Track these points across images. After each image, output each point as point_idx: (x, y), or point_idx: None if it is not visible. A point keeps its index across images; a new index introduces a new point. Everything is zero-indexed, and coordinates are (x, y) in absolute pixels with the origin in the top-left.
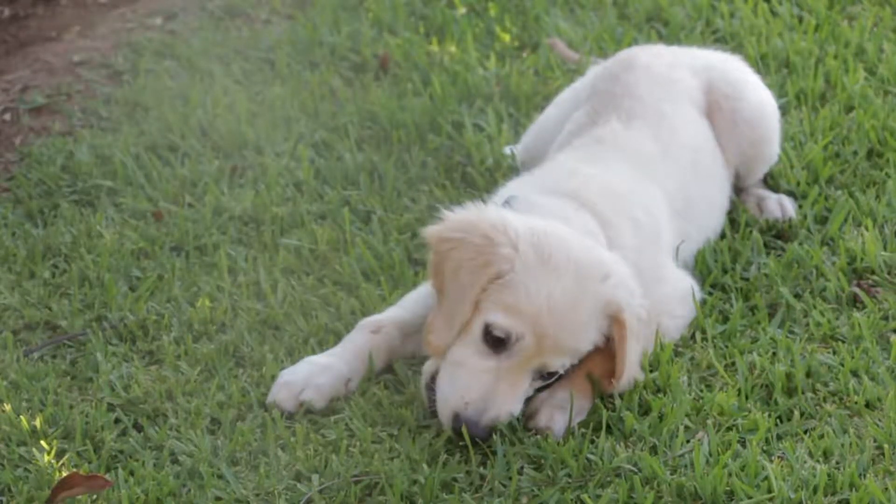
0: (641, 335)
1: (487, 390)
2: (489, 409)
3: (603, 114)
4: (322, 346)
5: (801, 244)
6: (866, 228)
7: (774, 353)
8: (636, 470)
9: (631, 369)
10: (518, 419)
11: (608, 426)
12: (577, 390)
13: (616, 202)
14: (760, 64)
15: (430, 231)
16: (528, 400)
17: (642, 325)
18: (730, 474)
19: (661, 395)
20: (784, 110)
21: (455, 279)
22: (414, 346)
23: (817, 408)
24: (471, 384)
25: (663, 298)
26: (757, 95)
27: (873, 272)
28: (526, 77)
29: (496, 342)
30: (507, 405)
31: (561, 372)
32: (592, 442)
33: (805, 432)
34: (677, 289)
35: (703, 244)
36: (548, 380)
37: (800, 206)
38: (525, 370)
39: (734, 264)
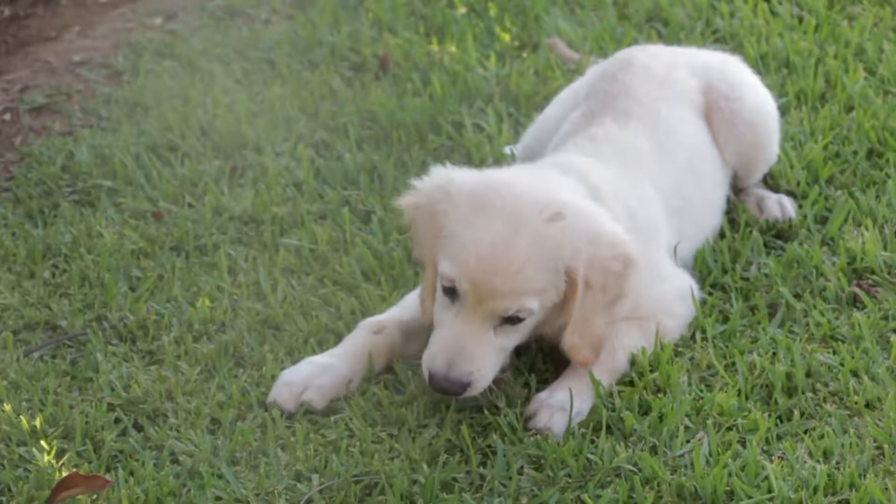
0: (609, 288)
1: (450, 344)
2: (456, 362)
3: (599, 114)
4: (322, 346)
5: (801, 244)
6: (866, 228)
7: (774, 353)
8: (636, 470)
9: (588, 328)
10: (518, 419)
11: (608, 426)
12: (577, 390)
13: (610, 188)
14: (760, 64)
15: (401, 202)
16: (529, 400)
17: (611, 278)
18: (730, 474)
19: (661, 395)
20: (784, 110)
21: (419, 243)
22: (415, 346)
23: (817, 408)
24: (438, 340)
25: (662, 297)
26: (756, 96)
27: (873, 272)
28: (526, 77)
29: (450, 293)
30: (477, 358)
31: (523, 315)
32: (592, 442)
33: (805, 432)
34: (676, 287)
35: (700, 244)
36: (516, 324)
37: (800, 206)
38: (479, 318)
39: (734, 264)
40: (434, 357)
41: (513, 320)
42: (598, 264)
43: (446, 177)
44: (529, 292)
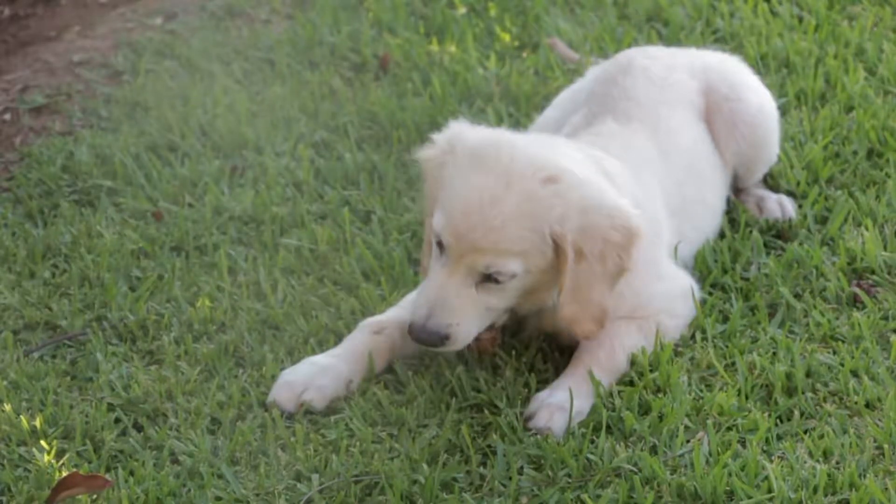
0: (608, 258)
1: (432, 295)
2: (435, 313)
3: (599, 116)
4: (322, 346)
5: (801, 244)
6: (866, 228)
7: (774, 353)
8: (636, 470)
9: (587, 298)
10: (518, 419)
11: (608, 426)
12: (577, 390)
13: (621, 178)
14: (760, 64)
15: (418, 155)
16: (529, 400)
17: (610, 248)
18: (730, 474)
19: (661, 395)
20: (784, 110)
21: (426, 197)
22: (415, 346)
23: (817, 408)
24: (422, 290)
25: (662, 296)
26: (756, 96)
27: (873, 272)
28: (526, 77)
29: (440, 245)
30: (457, 312)
31: (503, 276)
32: (592, 442)
33: (805, 432)
34: (677, 287)
35: (700, 245)
36: (500, 284)
37: (800, 206)
38: (460, 272)
39: (734, 264)
40: (416, 307)
41: (495, 279)
42: (593, 233)
43: (457, 131)
44: (510, 252)
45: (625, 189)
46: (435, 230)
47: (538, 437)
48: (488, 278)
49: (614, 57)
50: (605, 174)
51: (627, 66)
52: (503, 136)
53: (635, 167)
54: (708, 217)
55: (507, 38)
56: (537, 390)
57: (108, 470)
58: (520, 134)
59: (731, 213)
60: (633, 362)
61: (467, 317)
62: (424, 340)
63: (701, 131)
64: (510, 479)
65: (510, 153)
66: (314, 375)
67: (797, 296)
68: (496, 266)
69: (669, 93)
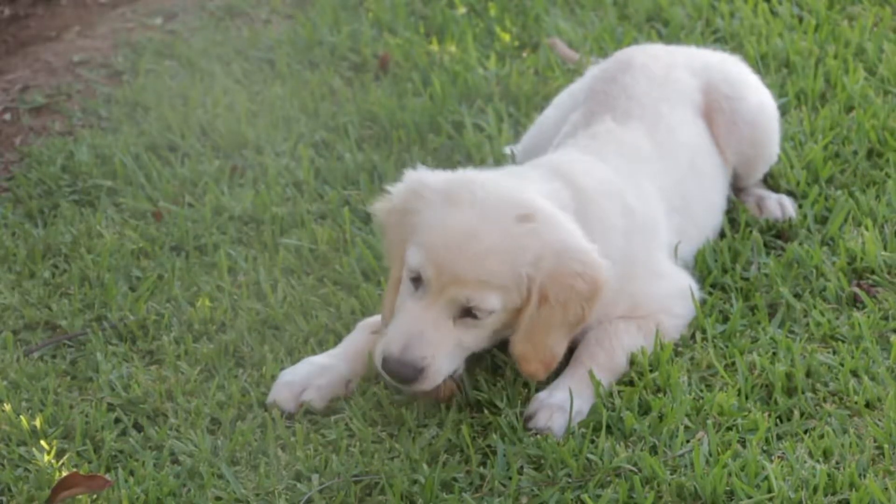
0: (570, 307)
1: (407, 327)
2: (411, 345)
3: (598, 114)
4: (322, 346)
5: (801, 244)
6: (866, 228)
7: (774, 353)
8: (636, 470)
9: (541, 341)
10: (518, 419)
11: (608, 426)
12: (576, 390)
13: (602, 184)
14: (760, 64)
15: (374, 208)
16: (529, 400)
17: (573, 297)
18: (730, 474)
19: (661, 395)
20: (784, 110)
21: (388, 246)
22: None
23: (817, 408)
24: (396, 325)
25: (661, 296)
26: (756, 96)
27: (873, 272)
28: (526, 77)
29: (416, 281)
30: (433, 345)
31: (481, 313)
32: (592, 442)
33: (805, 432)
34: (675, 286)
35: (701, 244)
36: (478, 319)
37: (800, 206)
38: (440, 305)
39: (734, 264)
40: (389, 341)
41: (474, 315)
42: (561, 279)
43: (418, 179)
44: (490, 285)
45: (610, 201)
46: (410, 266)
47: (538, 437)
48: (467, 313)
49: (614, 55)
50: (582, 195)
51: (627, 65)
52: (471, 175)
53: (631, 167)
54: (709, 215)
55: (507, 38)
56: (537, 390)
57: (108, 470)
58: (486, 171)
59: (731, 213)
60: (632, 362)
61: (442, 352)
62: (398, 373)
63: (701, 129)
64: (510, 479)
65: (484, 190)
66: (314, 375)
67: (797, 296)
68: (476, 300)
69: (669, 91)
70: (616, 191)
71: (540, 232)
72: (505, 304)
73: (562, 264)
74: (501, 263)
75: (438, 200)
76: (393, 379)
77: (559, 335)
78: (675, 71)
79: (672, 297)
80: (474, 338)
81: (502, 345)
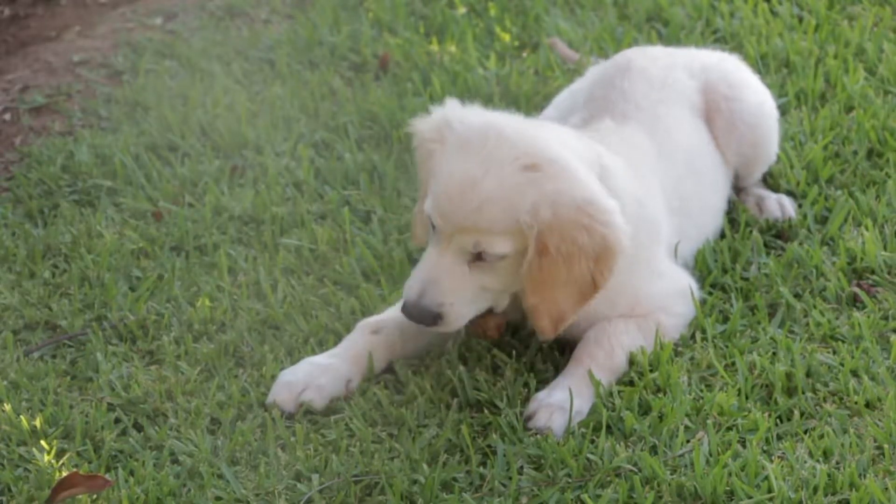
0: (575, 263)
1: (425, 274)
2: (428, 291)
3: (597, 117)
4: (322, 346)
5: (801, 244)
6: (866, 228)
7: (774, 353)
8: (636, 470)
9: (548, 296)
10: (518, 419)
11: (608, 426)
12: (576, 390)
13: (621, 174)
14: (760, 64)
15: (413, 129)
16: (529, 400)
17: (579, 253)
18: (730, 474)
19: (661, 395)
20: (784, 110)
21: (420, 174)
22: (414, 346)
23: (817, 408)
24: (416, 270)
25: (661, 295)
26: (756, 96)
27: (873, 272)
28: (526, 77)
29: (433, 227)
30: (449, 292)
31: (492, 254)
32: (592, 442)
33: (805, 432)
34: (675, 285)
35: (701, 244)
36: (491, 263)
37: (800, 206)
38: (451, 252)
39: (734, 264)
40: (408, 286)
41: (485, 258)
42: (562, 231)
43: (443, 118)
44: (492, 232)
45: (623, 188)
46: (426, 212)
47: (538, 437)
48: (479, 257)
49: (612, 58)
50: (603, 170)
51: (625, 68)
52: (493, 121)
53: (634, 164)
54: (708, 216)
55: (507, 38)
56: (537, 390)
57: (108, 470)
58: (515, 118)
59: (731, 213)
60: (632, 362)
61: (461, 297)
62: (417, 318)
63: (700, 130)
64: (510, 479)
65: (496, 138)
66: (313, 375)
67: (797, 296)
68: (482, 245)
69: (667, 93)
70: (628, 182)
71: (540, 181)
72: (516, 248)
73: (562, 215)
74: (500, 212)
75: (454, 145)
76: (413, 322)
77: (567, 294)
78: (673, 73)
79: (672, 296)
80: (493, 280)
81: (502, 345)
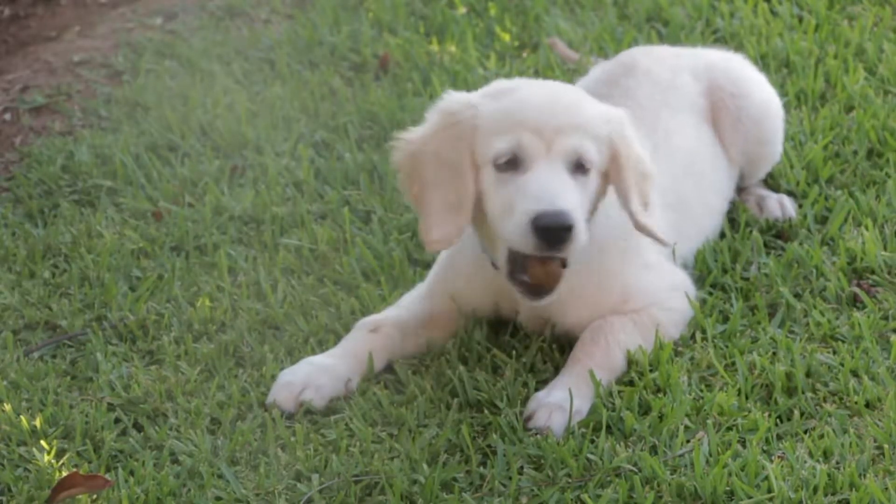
0: (640, 174)
1: (541, 188)
2: (555, 197)
3: None
4: (322, 346)
5: (801, 244)
6: (866, 228)
7: (774, 353)
8: (636, 470)
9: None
10: (517, 419)
11: (608, 426)
12: (576, 389)
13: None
14: (760, 64)
15: (396, 153)
16: (528, 400)
17: (641, 170)
18: (730, 474)
19: (661, 395)
20: (784, 110)
21: (441, 166)
22: (413, 345)
23: (817, 408)
24: (524, 197)
25: (653, 288)
26: (762, 94)
27: (873, 272)
28: (526, 77)
29: (512, 165)
30: (568, 196)
31: (589, 160)
32: (592, 442)
33: (805, 432)
34: (667, 279)
35: (699, 244)
36: (586, 175)
37: (800, 206)
38: (555, 164)
39: (734, 264)
40: (532, 206)
41: (582, 169)
42: (621, 144)
43: (450, 98)
44: (588, 131)
45: None
46: (499, 150)
47: (538, 436)
48: (577, 169)
49: (617, 57)
50: None
51: (630, 68)
52: (516, 81)
53: None
54: (707, 217)
55: (507, 38)
56: (537, 390)
57: (108, 470)
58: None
59: (731, 213)
60: (632, 362)
61: (579, 209)
62: (557, 225)
63: (703, 134)
64: (510, 479)
65: (536, 84)
66: (313, 375)
67: (797, 296)
68: (584, 148)
69: (671, 97)
70: None
71: (601, 112)
72: (599, 155)
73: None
74: (587, 111)
75: (491, 100)
76: (545, 241)
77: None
78: (678, 76)
79: (664, 290)
80: (585, 197)
81: (502, 345)
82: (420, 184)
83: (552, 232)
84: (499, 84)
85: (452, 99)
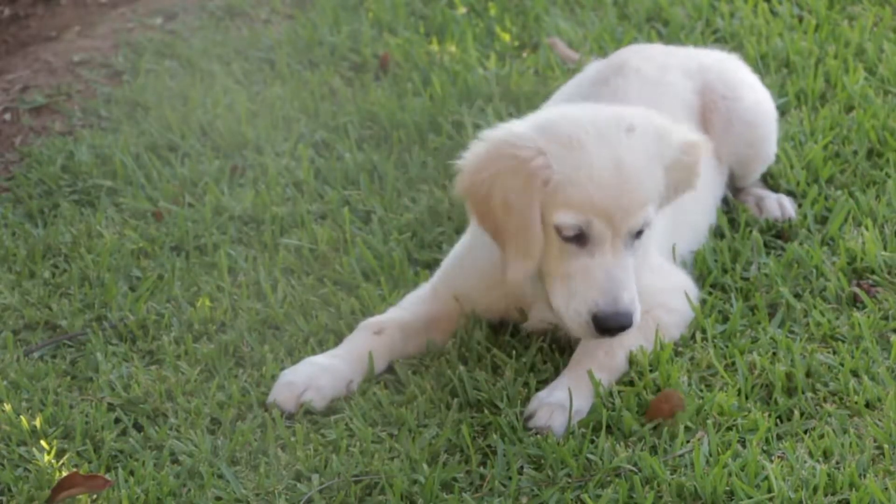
0: (682, 181)
1: (606, 280)
2: (619, 295)
3: None
4: (322, 346)
5: (801, 244)
6: (866, 228)
7: (774, 353)
8: (636, 470)
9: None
10: (518, 419)
11: (608, 426)
12: (576, 389)
13: None
14: (760, 64)
15: (459, 182)
16: (528, 400)
17: (685, 171)
18: (730, 474)
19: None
20: (784, 110)
21: (509, 210)
22: (415, 347)
23: (817, 408)
24: (587, 283)
25: (656, 290)
26: (754, 95)
27: (873, 272)
28: (526, 77)
29: (578, 239)
30: (631, 285)
31: (649, 223)
32: (592, 442)
33: (805, 432)
34: (670, 281)
35: (696, 243)
36: (640, 238)
37: (800, 206)
38: (618, 246)
39: (734, 264)
40: (595, 298)
41: (639, 234)
42: (676, 163)
43: (512, 134)
44: (650, 198)
45: None
46: (568, 225)
47: (538, 436)
48: (637, 235)
49: (609, 56)
50: None
51: (621, 67)
52: (561, 112)
53: None
54: (698, 216)
55: (507, 38)
56: (537, 390)
57: (108, 470)
58: (549, 109)
59: (731, 213)
60: (632, 362)
61: (636, 292)
62: (620, 325)
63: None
64: (510, 479)
65: (586, 122)
66: (314, 376)
67: (797, 296)
68: (646, 218)
69: (661, 94)
70: None
71: (650, 130)
72: (656, 208)
73: (671, 149)
74: (649, 176)
75: (559, 150)
76: (607, 333)
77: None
78: (669, 74)
79: (668, 291)
80: (638, 257)
81: (502, 345)
82: (492, 221)
83: (612, 330)
84: (561, 122)
85: (514, 135)
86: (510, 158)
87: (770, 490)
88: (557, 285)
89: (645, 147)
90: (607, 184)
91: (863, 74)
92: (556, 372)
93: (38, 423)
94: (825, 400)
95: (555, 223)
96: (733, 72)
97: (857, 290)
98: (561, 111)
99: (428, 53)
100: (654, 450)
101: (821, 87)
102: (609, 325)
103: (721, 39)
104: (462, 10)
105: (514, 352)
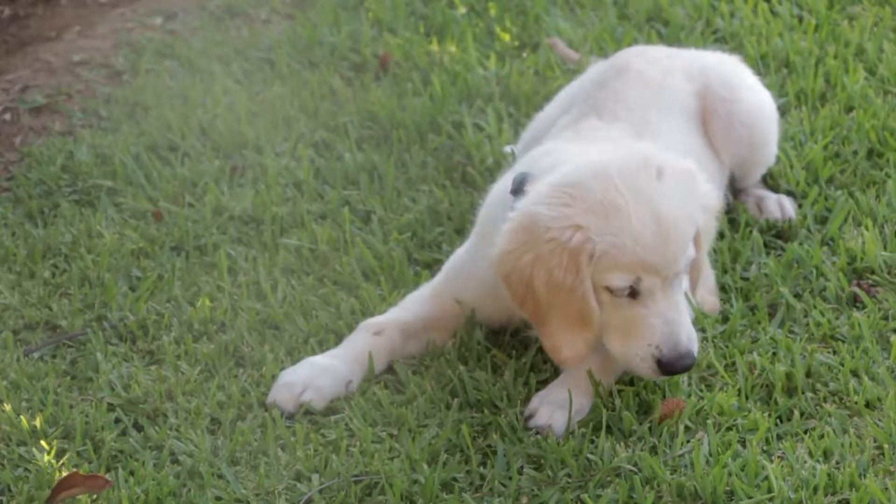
0: (709, 229)
1: (669, 324)
2: (677, 336)
3: (587, 115)
4: (322, 346)
5: (801, 244)
6: (866, 228)
7: (774, 353)
8: (636, 470)
9: (706, 275)
10: (518, 419)
11: (608, 426)
12: (576, 389)
13: None
14: (760, 64)
15: (496, 268)
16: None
17: (710, 216)
18: (730, 474)
19: (661, 395)
20: (784, 110)
21: (556, 290)
22: (415, 347)
23: (817, 408)
24: (645, 331)
25: None
26: (754, 97)
27: (873, 272)
28: (526, 77)
29: (630, 293)
30: (686, 323)
31: (687, 260)
32: (592, 442)
33: (805, 432)
34: None
35: None
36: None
37: (800, 206)
38: (671, 291)
39: (734, 264)
40: (657, 344)
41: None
42: (704, 209)
43: (539, 214)
44: (689, 238)
45: None
46: (620, 287)
47: (538, 436)
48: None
49: (611, 58)
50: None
51: (622, 69)
52: (577, 173)
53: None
54: None
55: (507, 38)
56: (537, 390)
57: (108, 470)
58: (564, 172)
59: (731, 213)
60: None
61: (688, 317)
62: (688, 364)
63: (692, 135)
64: (510, 479)
65: (614, 177)
66: (314, 376)
67: (797, 296)
68: (688, 256)
69: (661, 97)
70: None
71: (672, 175)
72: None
73: (699, 194)
74: (684, 219)
75: (594, 218)
76: (673, 374)
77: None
78: (669, 77)
79: None
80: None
81: (502, 345)
82: (534, 303)
83: (678, 372)
84: (589, 184)
85: (548, 216)
86: (548, 242)
87: (770, 490)
88: (614, 334)
89: (677, 190)
90: (651, 241)
91: (863, 74)
92: (556, 372)
93: (38, 423)
94: (825, 400)
95: (604, 286)
96: (733, 74)
97: (857, 290)
98: (582, 166)
99: (428, 53)
100: (654, 450)
101: (821, 87)
102: (675, 369)
103: (721, 40)
104: (462, 10)
105: (514, 352)
